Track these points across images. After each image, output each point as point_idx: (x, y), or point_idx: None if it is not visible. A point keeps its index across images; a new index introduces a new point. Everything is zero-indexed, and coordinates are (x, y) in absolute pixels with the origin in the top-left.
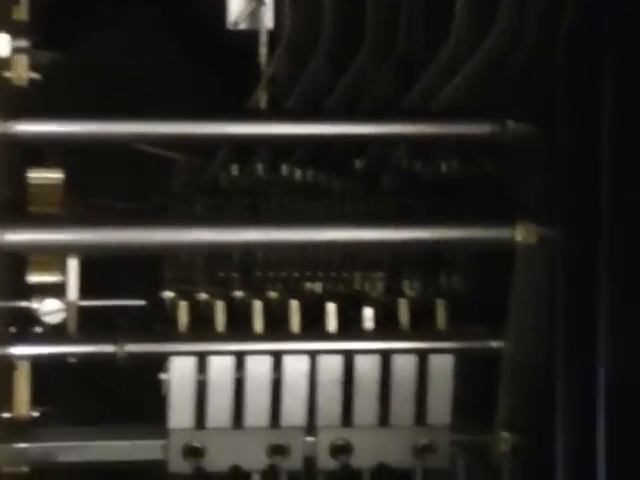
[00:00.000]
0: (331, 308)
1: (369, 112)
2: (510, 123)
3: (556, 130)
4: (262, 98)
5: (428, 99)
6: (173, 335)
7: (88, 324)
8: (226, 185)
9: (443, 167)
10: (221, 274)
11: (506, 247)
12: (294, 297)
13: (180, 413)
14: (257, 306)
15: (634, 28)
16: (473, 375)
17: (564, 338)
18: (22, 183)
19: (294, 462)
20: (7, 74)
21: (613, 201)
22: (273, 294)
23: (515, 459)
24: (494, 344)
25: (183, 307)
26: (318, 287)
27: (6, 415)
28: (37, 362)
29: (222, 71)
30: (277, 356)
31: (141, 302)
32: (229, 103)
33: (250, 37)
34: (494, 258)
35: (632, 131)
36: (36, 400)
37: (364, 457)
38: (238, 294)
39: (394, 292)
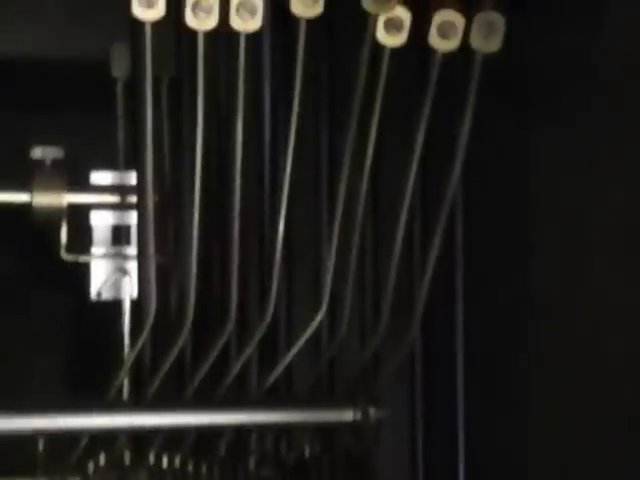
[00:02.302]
0: None
1: (232, 400)
2: (371, 409)
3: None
4: (124, 383)
5: (291, 377)
6: None
7: None
8: None
9: (307, 451)
10: None
11: None
12: None
13: None
14: None
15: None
16: None
17: None
18: None
19: None
20: None
21: None
22: None
23: None
24: None
25: None
26: None
27: None
28: None
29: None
30: None
31: None
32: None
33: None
34: None
35: None
36: None
37: None
38: None
39: None
